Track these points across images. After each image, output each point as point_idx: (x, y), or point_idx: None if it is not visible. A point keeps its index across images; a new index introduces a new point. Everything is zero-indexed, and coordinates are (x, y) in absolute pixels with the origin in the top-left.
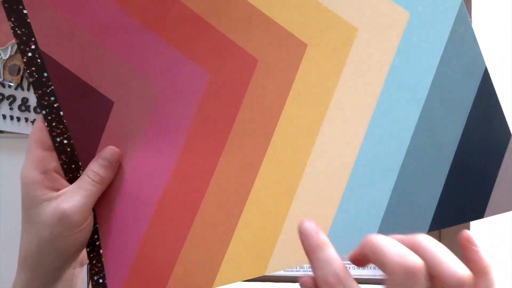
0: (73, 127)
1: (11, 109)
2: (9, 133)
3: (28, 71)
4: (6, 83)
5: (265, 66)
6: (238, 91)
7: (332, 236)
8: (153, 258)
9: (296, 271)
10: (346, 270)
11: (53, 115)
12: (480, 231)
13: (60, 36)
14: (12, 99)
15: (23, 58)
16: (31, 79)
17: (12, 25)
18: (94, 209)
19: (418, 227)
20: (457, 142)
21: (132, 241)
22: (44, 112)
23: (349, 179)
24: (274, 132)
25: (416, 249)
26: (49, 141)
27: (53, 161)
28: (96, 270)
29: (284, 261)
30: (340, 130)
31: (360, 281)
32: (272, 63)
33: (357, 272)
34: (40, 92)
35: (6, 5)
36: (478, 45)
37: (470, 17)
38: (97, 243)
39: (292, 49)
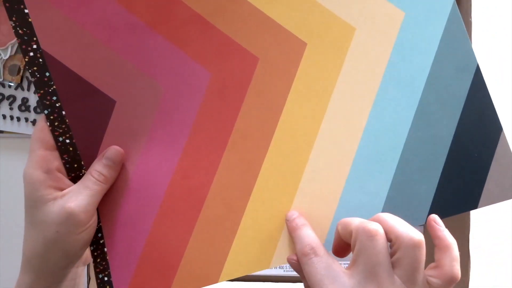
0: (76, 127)
1: (11, 109)
2: (9, 133)
3: (30, 70)
4: (6, 83)
5: (266, 64)
6: (240, 89)
7: (334, 227)
8: (159, 254)
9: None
10: (318, 242)
11: (55, 115)
12: (480, 231)
13: (62, 35)
14: (12, 99)
15: (24, 57)
16: (33, 79)
17: (13, 24)
18: (97, 208)
19: (416, 218)
20: (452, 135)
21: (137, 238)
22: (46, 111)
23: (349, 173)
24: (276, 129)
25: (377, 221)
26: (51, 141)
27: (56, 161)
28: (100, 268)
29: (288, 255)
30: (340, 125)
31: None
32: (273, 61)
33: None
34: (42, 91)
35: (7, 4)
36: (470, 42)
37: (470, 17)
38: (101, 242)
39: (292, 47)
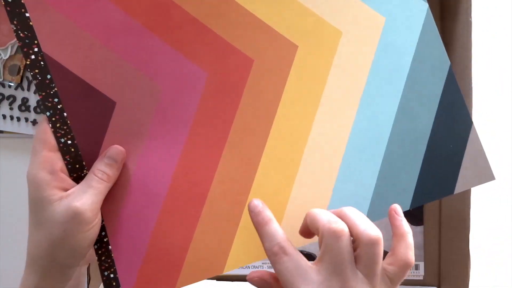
0: (77, 128)
1: (11, 109)
2: (9, 133)
3: (31, 73)
4: (6, 83)
5: (261, 65)
6: (237, 89)
7: None
8: (165, 249)
9: None
10: (287, 240)
11: (57, 116)
12: (480, 231)
13: (62, 38)
14: (12, 99)
15: (26, 60)
16: (34, 81)
17: (14, 28)
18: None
19: (401, 205)
20: (430, 129)
21: (141, 234)
22: (48, 113)
23: (341, 165)
24: (272, 126)
25: (341, 216)
26: (53, 142)
27: (59, 162)
28: (106, 265)
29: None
30: (331, 122)
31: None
32: (267, 62)
33: None
34: (44, 94)
35: (8, 8)
36: (442, 45)
37: (470, 17)
38: (105, 240)
39: (284, 50)
